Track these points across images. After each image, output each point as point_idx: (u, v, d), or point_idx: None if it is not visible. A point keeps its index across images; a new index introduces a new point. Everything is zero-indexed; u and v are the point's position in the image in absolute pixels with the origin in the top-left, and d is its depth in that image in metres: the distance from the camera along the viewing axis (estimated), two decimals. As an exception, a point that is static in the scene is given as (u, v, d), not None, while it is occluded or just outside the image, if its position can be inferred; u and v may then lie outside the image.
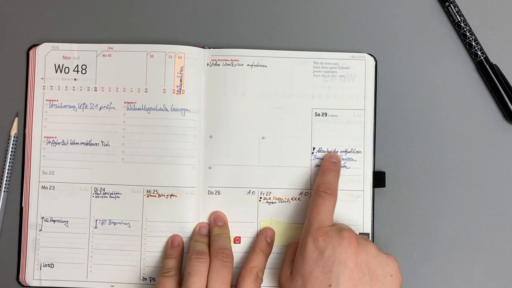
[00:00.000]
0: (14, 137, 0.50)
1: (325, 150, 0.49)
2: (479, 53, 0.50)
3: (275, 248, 0.48)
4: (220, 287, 0.43)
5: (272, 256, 0.48)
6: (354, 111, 0.49)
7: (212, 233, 0.47)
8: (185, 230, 0.48)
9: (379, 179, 0.49)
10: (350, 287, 0.40)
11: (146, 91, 0.49)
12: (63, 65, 0.49)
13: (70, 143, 0.49)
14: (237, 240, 0.49)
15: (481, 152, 0.50)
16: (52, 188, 0.49)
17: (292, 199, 0.49)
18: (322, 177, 0.47)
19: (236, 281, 0.45)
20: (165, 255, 0.47)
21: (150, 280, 0.48)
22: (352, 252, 0.41)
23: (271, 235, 0.48)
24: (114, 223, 0.49)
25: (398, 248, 0.49)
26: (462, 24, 0.50)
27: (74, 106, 0.49)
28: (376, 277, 0.41)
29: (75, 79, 0.49)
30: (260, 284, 0.45)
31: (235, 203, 0.49)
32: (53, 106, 0.49)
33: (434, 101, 0.50)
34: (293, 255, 0.45)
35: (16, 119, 0.50)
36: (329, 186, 0.45)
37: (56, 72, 0.49)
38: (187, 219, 0.48)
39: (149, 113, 0.49)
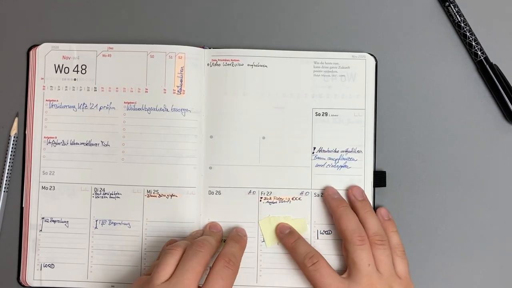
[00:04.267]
0: (14, 137, 0.49)
1: (326, 149, 0.49)
2: (479, 53, 0.50)
3: (274, 248, 0.48)
4: (190, 268, 0.41)
5: (272, 256, 0.48)
6: (354, 111, 0.49)
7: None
8: (185, 230, 0.48)
9: (379, 178, 0.49)
10: None
11: (147, 91, 0.49)
12: (63, 65, 0.49)
13: (70, 143, 0.49)
14: (238, 240, 0.49)
15: (481, 152, 0.50)
16: (52, 188, 0.49)
17: (292, 199, 0.49)
18: (345, 224, 0.46)
19: None
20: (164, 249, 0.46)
21: (151, 280, 0.48)
22: None
23: (240, 229, 0.48)
24: (114, 224, 0.48)
25: (398, 248, 0.49)
26: (462, 24, 0.50)
27: (74, 106, 0.49)
28: None
29: (75, 79, 0.49)
30: (234, 269, 0.43)
31: (235, 203, 0.49)
32: (53, 106, 0.49)
33: (434, 101, 0.50)
34: None
35: (16, 119, 0.50)
36: (362, 234, 0.45)
37: (56, 72, 0.49)
38: (188, 219, 0.48)
39: (149, 113, 0.49)
